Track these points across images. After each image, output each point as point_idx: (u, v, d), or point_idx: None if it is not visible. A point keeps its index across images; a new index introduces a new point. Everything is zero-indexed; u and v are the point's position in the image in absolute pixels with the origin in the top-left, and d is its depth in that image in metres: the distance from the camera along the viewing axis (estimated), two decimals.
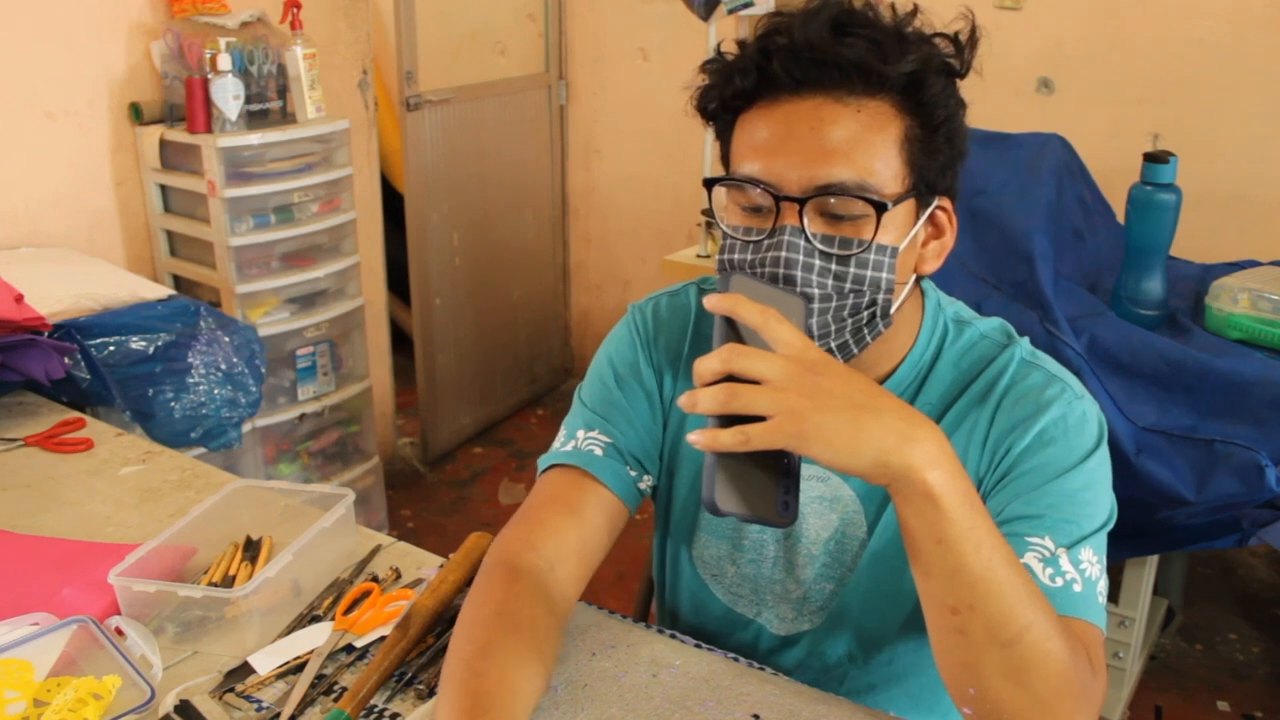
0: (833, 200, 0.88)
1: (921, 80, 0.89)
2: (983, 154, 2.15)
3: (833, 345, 0.92)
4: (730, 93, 0.92)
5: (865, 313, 0.91)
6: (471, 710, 0.80)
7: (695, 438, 0.74)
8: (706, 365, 0.75)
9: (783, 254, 0.88)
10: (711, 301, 0.77)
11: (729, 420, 0.74)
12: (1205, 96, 2.55)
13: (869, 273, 0.89)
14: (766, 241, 0.89)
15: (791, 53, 0.88)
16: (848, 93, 0.88)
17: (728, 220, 0.94)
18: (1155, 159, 1.88)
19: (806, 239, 0.88)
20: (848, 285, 0.89)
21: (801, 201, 0.88)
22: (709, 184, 0.94)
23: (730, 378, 0.75)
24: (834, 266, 0.89)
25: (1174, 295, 2.00)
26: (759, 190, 0.89)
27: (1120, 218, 2.06)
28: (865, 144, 0.88)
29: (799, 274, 0.88)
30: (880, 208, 0.88)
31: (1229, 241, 2.41)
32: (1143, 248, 1.93)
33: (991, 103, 2.74)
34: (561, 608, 0.95)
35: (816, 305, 0.89)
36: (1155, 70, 2.59)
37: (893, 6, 0.92)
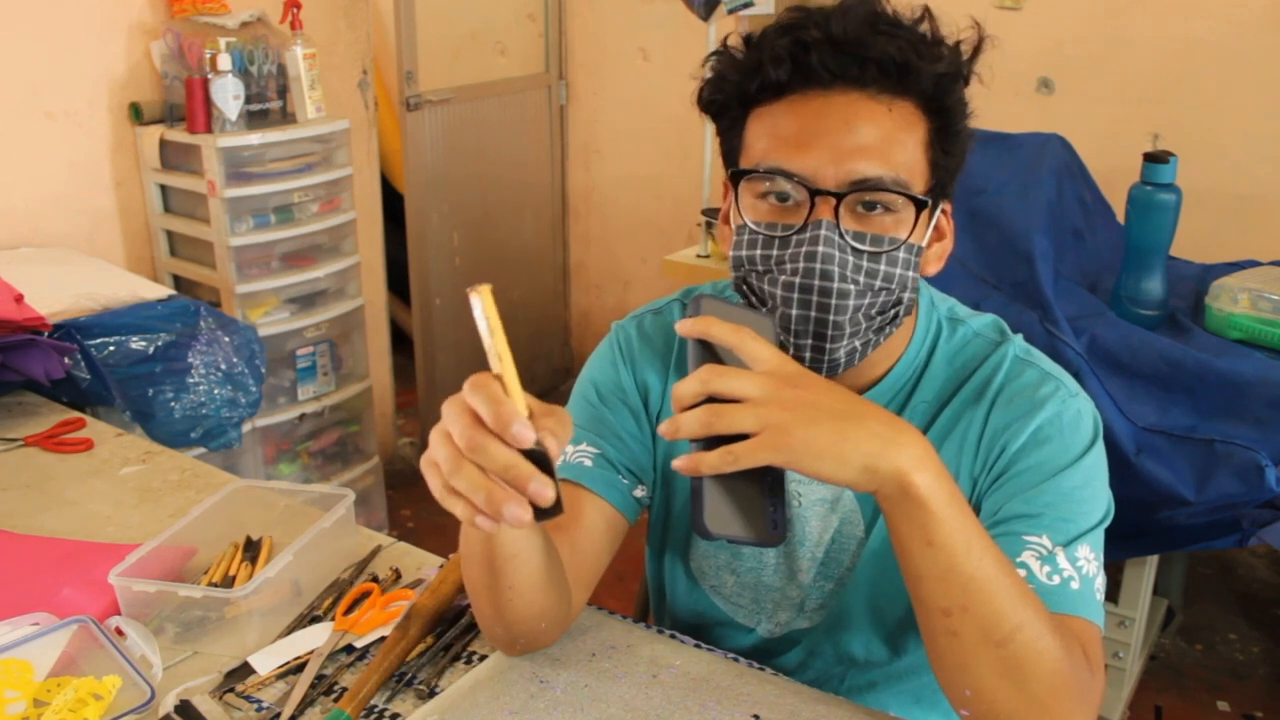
0: (866, 196, 0.87)
1: (949, 84, 0.89)
2: (983, 154, 2.15)
3: (857, 344, 0.91)
4: (757, 85, 0.90)
5: (891, 311, 0.91)
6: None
7: (680, 464, 0.73)
8: (685, 389, 0.74)
9: (819, 249, 0.87)
10: (684, 327, 0.77)
11: (711, 443, 0.73)
12: (1205, 96, 2.55)
13: (898, 270, 0.90)
14: (797, 237, 0.88)
15: (831, 46, 0.87)
16: (880, 90, 0.88)
17: (749, 214, 0.92)
18: (1155, 159, 1.88)
19: (841, 235, 0.88)
20: (879, 282, 0.89)
21: (839, 196, 0.87)
22: (736, 176, 0.93)
23: (709, 401, 0.74)
24: (865, 264, 0.89)
25: (1174, 295, 2.00)
26: (790, 184, 0.88)
27: (1120, 218, 2.06)
28: (897, 142, 0.88)
29: (835, 269, 0.87)
30: (920, 204, 0.88)
31: (1229, 241, 2.41)
32: (1143, 248, 1.93)
33: (991, 103, 2.72)
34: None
35: (852, 302, 0.88)
36: (1155, 70, 2.59)
37: (925, 6, 0.92)
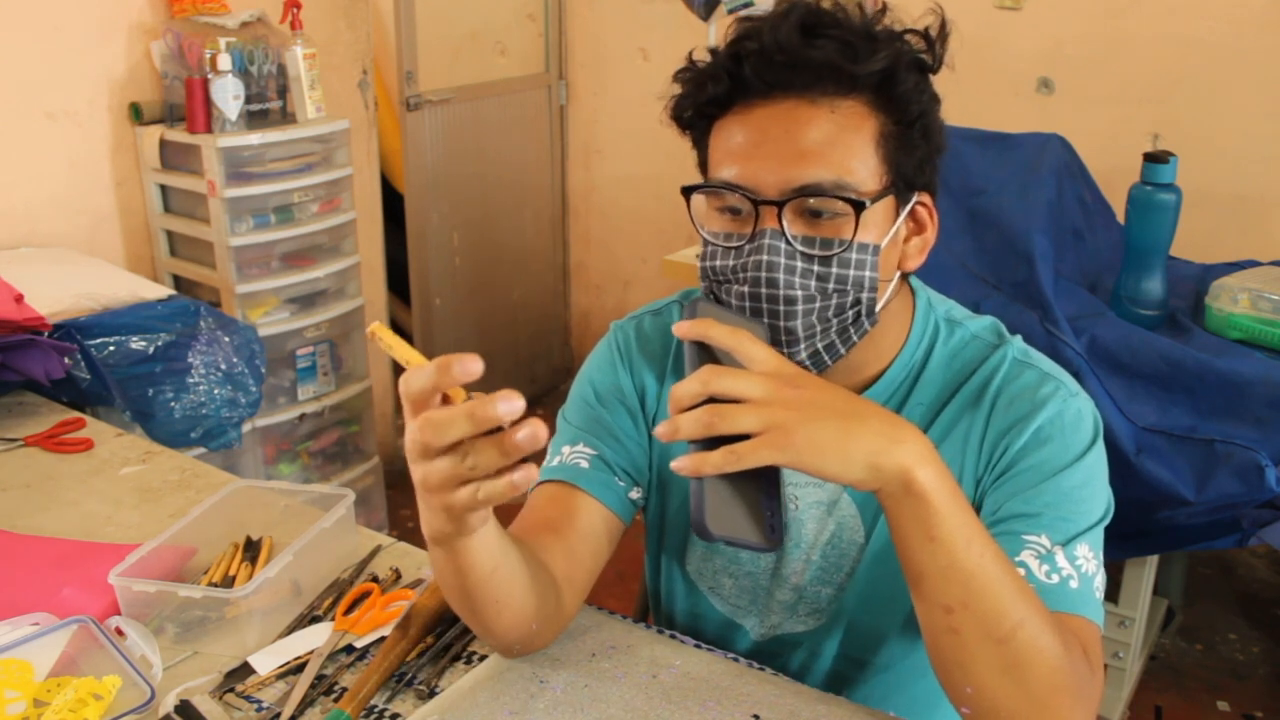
0: (811, 201, 0.88)
1: (893, 77, 0.89)
2: (983, 154, 2.15)
3: (819, 346, 0.92)
4: (704, 100, 0.92)
5: (850, 312, 0.91)
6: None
7: (681, 464, 0.73)
8: (685, 390, 0.74)
9: (764, 258, 0.88)
10: (681, 329, 0.77)
11: (710, 445, 0.73)
12: (1205, 96, 2.55)
13: (851, 272, 0.90)
14: (747, 246, 0.89)
15: (762, 57, 0.88)
16: (820, 94, 0.88)
17: (708, 226, 0.94)
18: (1155, 159, 1.88)
19: (787, 241, 0.88)
20: (831, 285, 0.90)
21: (780, 204, 0.88)
22: (687, 191, 0.95)
23: (709, 402, 0.74)
24: (816, 267, 0.89)
25: (1174, 295, 2.00)
26: (737, 195, 0.89)
27: (1120, 218, 2.06)
28: (841, 144, 0.88)
29: (781, 277, 0.88)
30: (859, 206, 0.88)
31: (1229, 241, 2.41)
32: (1143, 248, 1.93)
33: (991, 103, 2.74)
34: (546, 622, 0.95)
35: (800, 307, 0.89)
36: (1155, 70, 2.59)
37: (860, 6, 0.92)
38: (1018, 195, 2.05)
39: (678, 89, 0.96)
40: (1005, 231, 2.00)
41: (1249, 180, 2.53)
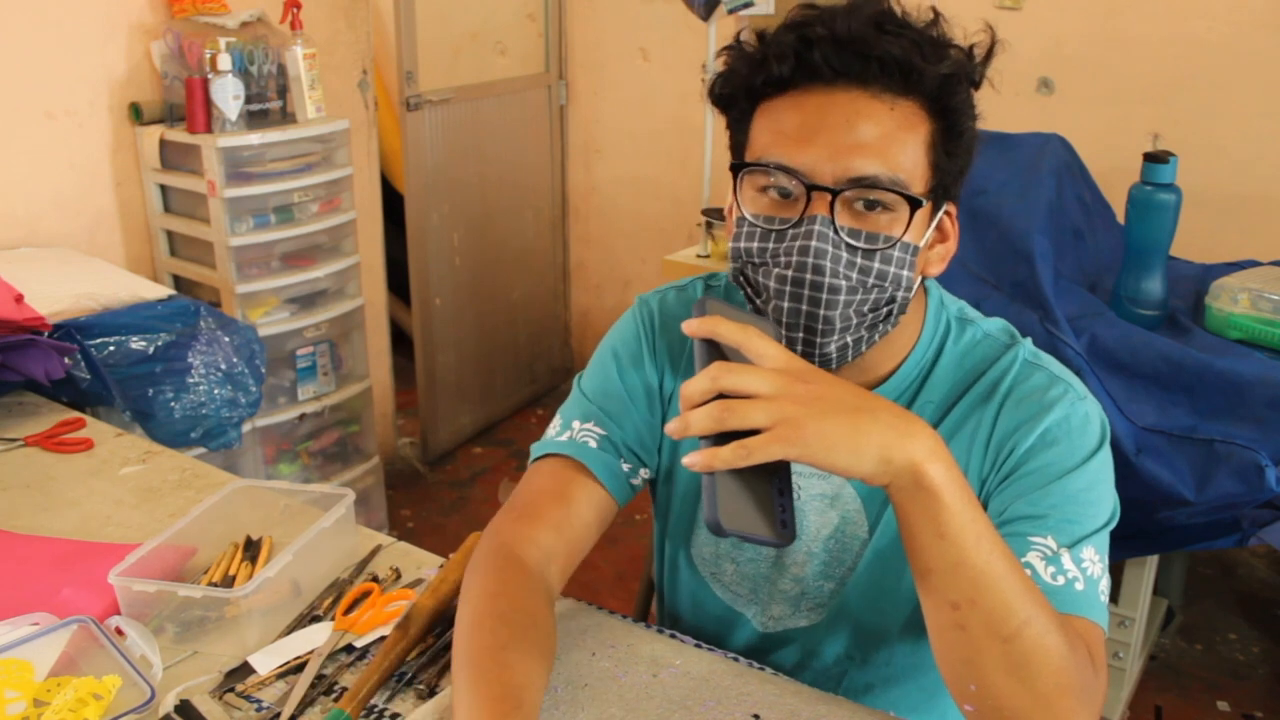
0: (865, 193, 0.88)
1: (953, 85, 0.89)
2: (983, 154, 2.11)
3: (849, 340, 0.91)
4: (762, 79, 0.91)
5: (884, 309, 0.92)
6: (504, 700, 0.81)
7: (692, 460, 0.73)
8: (694, 387, 0.75)
9: (812, 243, 0.87)
10: (690, 326, 0.77)
11: (721, 441, 0.73)
12: (1205, 96, 2.55)
13: (892, 269, 0.90)
14: (793, 231, 0.89)
15: (834, 44, 0.88)
16: (883, 89, 0.88)
17: (748, 208, 0.93)
18: (1155, 159, 1.88)
19: (835, 231, 0.88)
20: (872, 280, 0.89)
21: (834, 193, 0.87)
22: (736, 169, 0.94)
23: (719, 398, 0.74)
24: (860, 260, 0.89)
25: (1174, 295, 2.00)
26: (788, 178, 0.89)
27: (1120, 218, 2.06)
28: (897, 141, 0.88)
29: (827, 264, 0.88)
30: (915, 203, 0.88)
31: (1229, 241, 2.41)
32: (1143, 248, 1.93)
33: (992, 103, 2.73)
34: (553, 603, 0.97)
35: (842, 297, 0.89)
36: (1155, 70, 2.59)
37: (933, 8, 0.92)
38: (1018, 195, 2.05)
39: (722, 65, 0.95)
40: (1005, 231, 2.00)
41: (1249, 180, 2.53)
